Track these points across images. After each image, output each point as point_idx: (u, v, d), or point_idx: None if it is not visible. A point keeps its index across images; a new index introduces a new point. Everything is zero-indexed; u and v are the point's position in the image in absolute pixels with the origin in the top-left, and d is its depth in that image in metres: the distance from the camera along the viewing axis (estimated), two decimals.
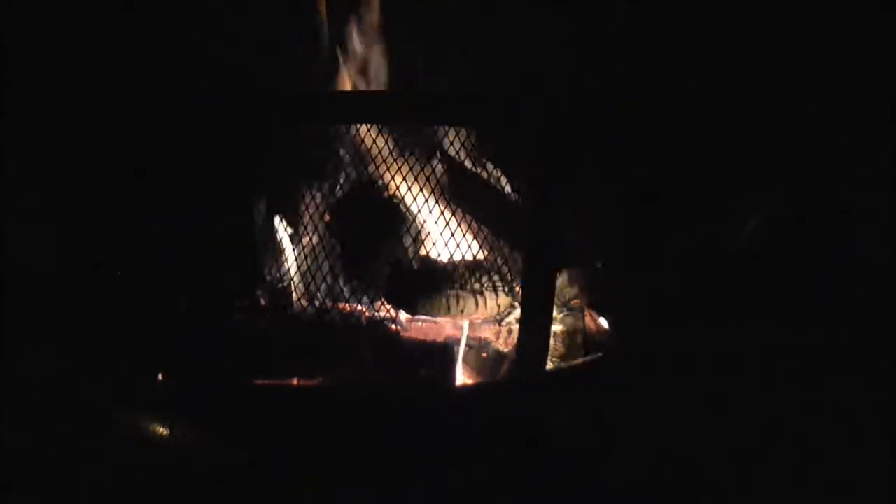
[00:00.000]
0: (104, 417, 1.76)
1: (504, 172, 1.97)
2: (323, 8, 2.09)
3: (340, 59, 2.06)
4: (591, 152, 2.06)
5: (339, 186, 1.92)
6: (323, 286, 1.83)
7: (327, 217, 1.90)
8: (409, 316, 1.86)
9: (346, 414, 1.67)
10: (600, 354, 1.92)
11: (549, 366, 1.81)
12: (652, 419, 1.84)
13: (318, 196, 1.89)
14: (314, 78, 2.03)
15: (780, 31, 2.27)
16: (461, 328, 1.89)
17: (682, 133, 2.23)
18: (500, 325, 1.88)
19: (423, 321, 1.88)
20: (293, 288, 1.89)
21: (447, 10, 2.12)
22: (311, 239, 1.87)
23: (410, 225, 1.88)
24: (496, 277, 1.87)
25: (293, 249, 1.92)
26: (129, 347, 1.78)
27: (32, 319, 1.91)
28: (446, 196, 1.86)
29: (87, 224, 1.96)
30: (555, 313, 1.82)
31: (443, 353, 1.77)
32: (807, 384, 1.99)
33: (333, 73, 2.05)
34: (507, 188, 1.97)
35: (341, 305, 1.84)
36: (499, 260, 1.88)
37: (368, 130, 1.83)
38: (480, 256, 1.90)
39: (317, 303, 1.82)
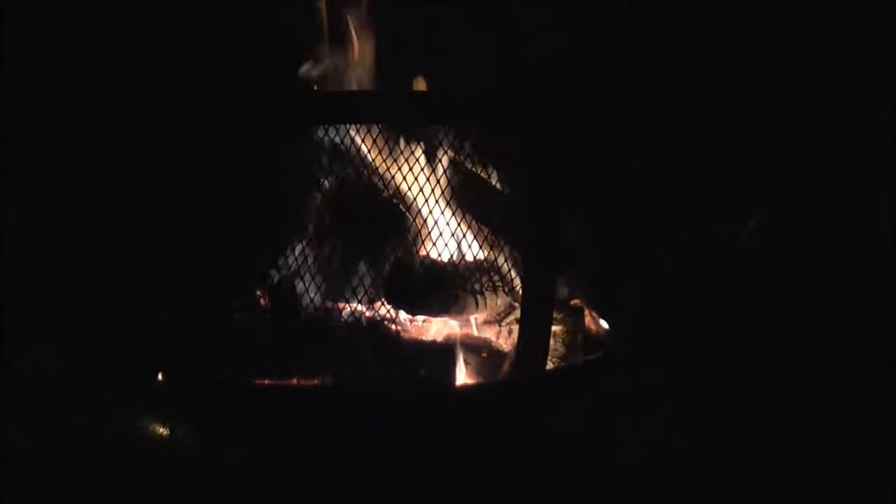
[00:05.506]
0: (104, 417, 1.76)
1: (504, 171, 1.97)
2: (322, 6, 2.08)
3: (338, 59, 2.05)
4: (592, 152, 2.06)
5: (338, 186, 1.91)
6: (323, 286, 1.82)
7: (328, 216, 1.89)
8: (409, 316, 1.86)
9: (345, 414, 1.67)
10: (600, 354, 1.92)
11: (550, 366, 1.81)
12: (652, 419, 1.84)
13: (319, 195, 1.89)
14: (313, 78, 2.03)
15: (780, 31, 2.27)
16: (461, 328, 1.89)
17: (682, 133, 2.23)
18: (500, 325, 1.87)
19: (423, 321, 1.87)
20: (293, 288, 1.89)
21: (446, 10, 2.12)
22: (311, 238, 1.87)
23: (411, 225, 1.87)
24: (496, 277, 1.87)
25: (293, 249, 1.92)
26: (129, 347, 1.79)
27: (32, 319, 1.91)
28: (446, 195, 1.86)
29: (88, 224, 1.96)
30: (555, 313, 1.81)
31: (443, 353, 1.77)
32: (807, 384, 2.00)
33: (331, 72, 2.04)
34: (507, 187, 1.97)
35: (341, 305, 1.84)
36: (499, 260, 1.88)
37: (368, 130, 1.83)
38: (480, 256, 1.90)
39: (317, 303, 1.82)
